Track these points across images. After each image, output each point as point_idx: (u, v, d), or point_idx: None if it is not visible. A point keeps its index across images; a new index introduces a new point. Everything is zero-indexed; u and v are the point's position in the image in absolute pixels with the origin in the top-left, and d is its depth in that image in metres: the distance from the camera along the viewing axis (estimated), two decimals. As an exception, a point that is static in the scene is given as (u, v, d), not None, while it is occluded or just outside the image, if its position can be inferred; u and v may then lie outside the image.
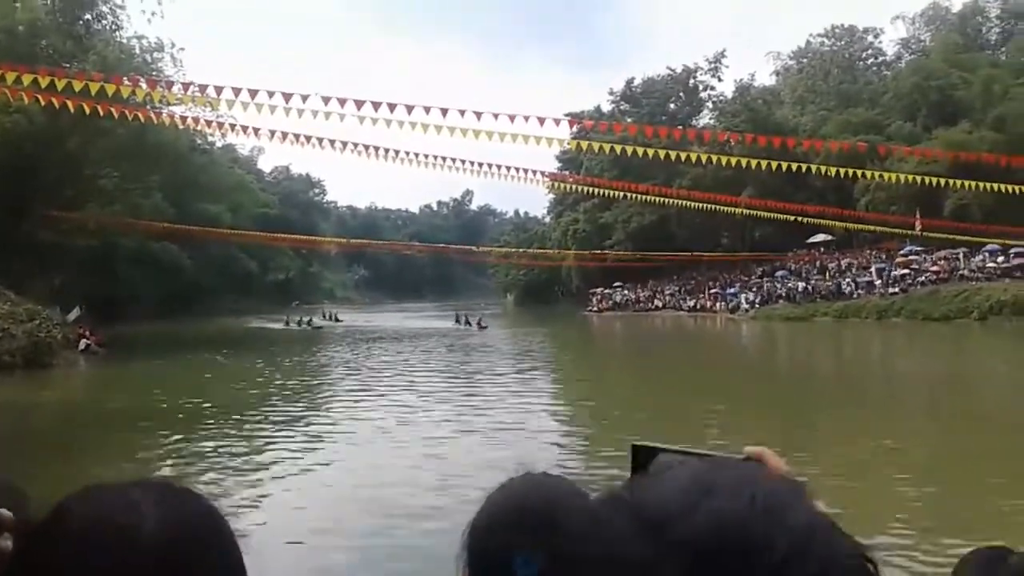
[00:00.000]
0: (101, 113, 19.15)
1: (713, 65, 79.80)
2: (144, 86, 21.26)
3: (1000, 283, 41.78)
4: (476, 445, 12.88)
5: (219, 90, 17.00)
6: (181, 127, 32.00)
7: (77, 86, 16.65)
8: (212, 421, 15.50)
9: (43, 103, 19.00)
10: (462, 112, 17.93)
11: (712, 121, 73.74)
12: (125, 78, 24.22)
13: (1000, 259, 44.04)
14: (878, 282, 48.50)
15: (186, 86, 19.39)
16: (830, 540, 0.55)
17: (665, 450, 0.81)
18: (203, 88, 17.64)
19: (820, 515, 0.57)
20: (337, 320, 56.46)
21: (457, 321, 50.79)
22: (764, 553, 0.53)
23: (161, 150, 41.55)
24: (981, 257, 44.98)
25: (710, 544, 0.53)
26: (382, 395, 19.51)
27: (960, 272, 45.02)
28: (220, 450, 12.75)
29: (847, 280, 50.88)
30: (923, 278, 46.16)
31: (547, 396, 20.52)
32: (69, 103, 17.79)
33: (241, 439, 13.78)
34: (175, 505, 0.86)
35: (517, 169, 24.45)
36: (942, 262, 46.47)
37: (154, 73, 38.20)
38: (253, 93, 16.75)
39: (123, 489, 0.86)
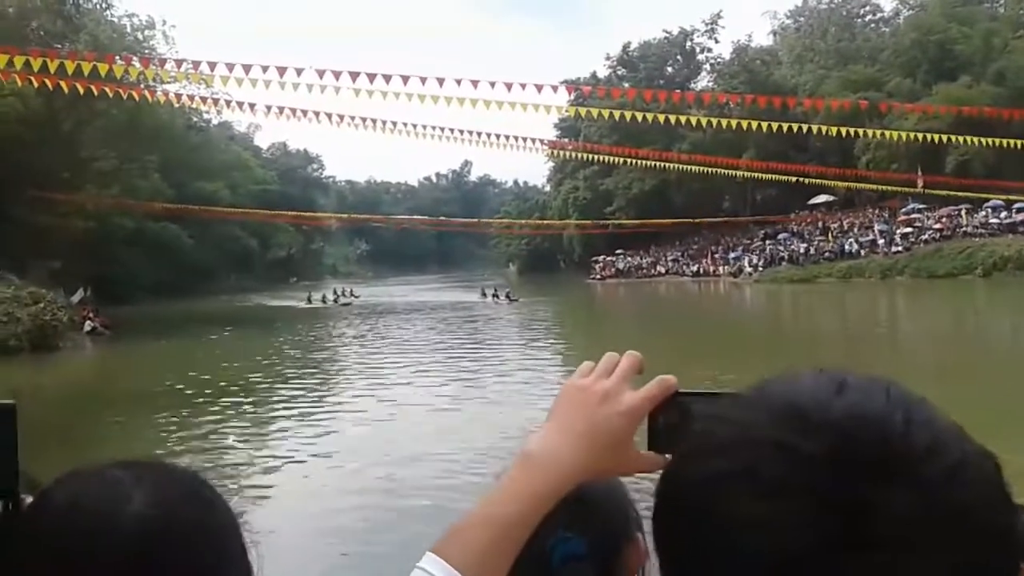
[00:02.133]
0: (95, 93, 19.04)
1: (709, 27, 79.09)
2: (137, 64, 21.11)
3: (1003, 238, 41.67)
4: (491, 415, 12.86)
5: (212, 66, 16.90)
6: (176, 105, 31.82)
7: (70, 67, 16.54)
8: (224, 400, 15.40)
9: (36, 85, 18.88)
10: (459, 81, 17.83)
11: (710, 84, 73.16)
12: (117, 57, 23.98)
13: (1003, 214, 43.89)
14: (881, 241, 48.39)
15: (179, 63, 19.24)
16: (962, 437, 0.56)
17: (683, 393, 0.79)
18: (196, 64, 17.54)
19: (948, 417, 0.57)
20: (354, 296, 52.91)
21: (483, 295, 47.05)
22: (904, 442, 0.53)
23: (157, 129, 41.43)
24: (984, 213, 44.82)
25: (850, 432, 0.53)
26: (405, 369, 19.53)
27: (963, 229, 44.87)
28: (231, 428, 12.78)
29: (850, 240, 50.74)
30: (926, 236, 46.05)
31: (556, 365, 20.46)
32: (63, 84, 17.65)
33: (253, 416, 13.82)
34: (163, 485, 0.82)
35: (516, 138, 24.35)
36: (945, 219, 46.32)
37: (147, 51, 37.98)
38: (247, 68, 16.64)
39: (107, 470, 0.83)
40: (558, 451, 0.80)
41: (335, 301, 49.06)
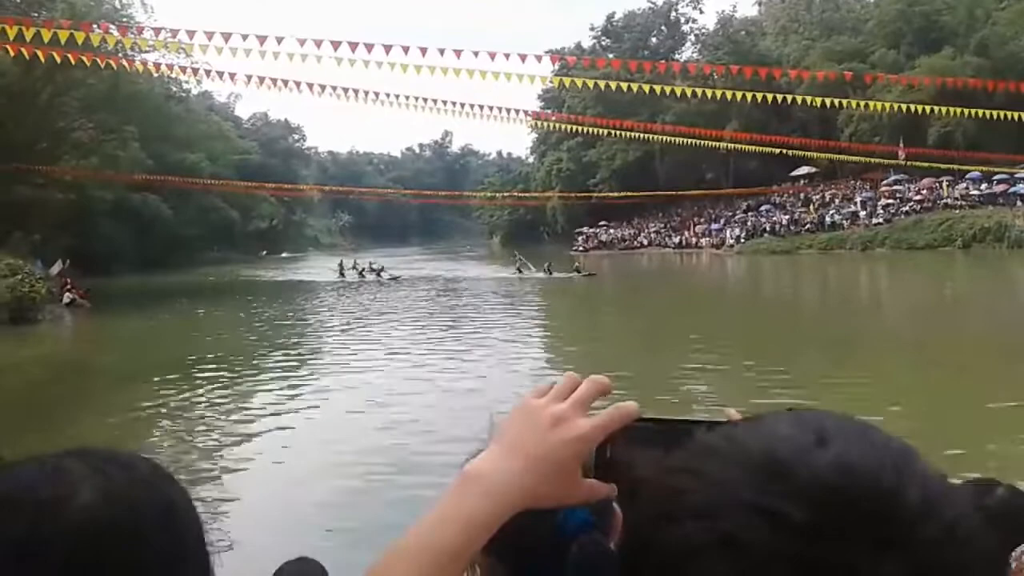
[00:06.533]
0: (72, 62, 18.75)
1: (694, -3, 78.67)
2: (115, 33, 20.75)
3: (983, 210, 41.99)
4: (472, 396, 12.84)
5: (191, 34, 16.62)
6: (155, 74, 31.36)
7: (46, 35, 16.24)
8: (206, 373, 15.32)
9: (12, 54, 18.58)
10: (442, 51, 17.65)
11: (695, 54, 73.01)
12: (95, 25, 23.62)
13: (983, 186, 44.17)
14: (862, 213, 48.63)
15: (157, 31, 18.94)
16: (954, 492, 0.52)
17: (644, 419, 0.74)
18: (175, 33, 17.25)
19: (931, 465, 0.53)
20: (373, 268, 44.46)
21: (519, 271, 40.68)
22: (897, 502, 0.49)
23: (136, 99, 40.81)
24: (964, 185, 45.08)
25: (840, 489, 0.49)
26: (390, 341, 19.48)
27: (943, 200, 45.15)
28: (211, 402, 12.73)
29: (831, 212, 50.96)
30: (907, 207, 46.30)
31: (538, 347, 20.42)
32: (39, 53, 17.37)
33: (236, 391, 13.73)
34: (115, 475, 0.78)
35: (500, 108, 24.15)
36: (925, 191, 46.56)
37: (124, 20, 37.30)
38: (227, 37, 16.38)
39: (56, 459, 0.78)
40: (499, 475, 0.75)
41: (378, 275, 42.54)
